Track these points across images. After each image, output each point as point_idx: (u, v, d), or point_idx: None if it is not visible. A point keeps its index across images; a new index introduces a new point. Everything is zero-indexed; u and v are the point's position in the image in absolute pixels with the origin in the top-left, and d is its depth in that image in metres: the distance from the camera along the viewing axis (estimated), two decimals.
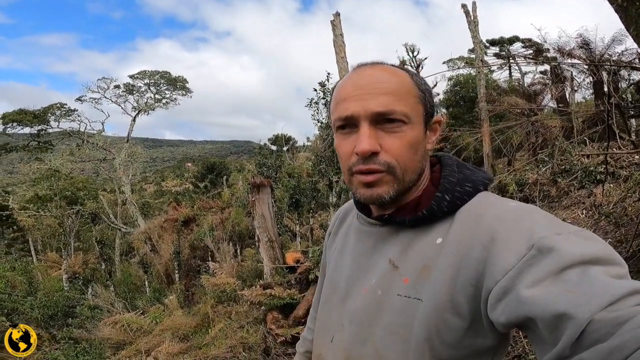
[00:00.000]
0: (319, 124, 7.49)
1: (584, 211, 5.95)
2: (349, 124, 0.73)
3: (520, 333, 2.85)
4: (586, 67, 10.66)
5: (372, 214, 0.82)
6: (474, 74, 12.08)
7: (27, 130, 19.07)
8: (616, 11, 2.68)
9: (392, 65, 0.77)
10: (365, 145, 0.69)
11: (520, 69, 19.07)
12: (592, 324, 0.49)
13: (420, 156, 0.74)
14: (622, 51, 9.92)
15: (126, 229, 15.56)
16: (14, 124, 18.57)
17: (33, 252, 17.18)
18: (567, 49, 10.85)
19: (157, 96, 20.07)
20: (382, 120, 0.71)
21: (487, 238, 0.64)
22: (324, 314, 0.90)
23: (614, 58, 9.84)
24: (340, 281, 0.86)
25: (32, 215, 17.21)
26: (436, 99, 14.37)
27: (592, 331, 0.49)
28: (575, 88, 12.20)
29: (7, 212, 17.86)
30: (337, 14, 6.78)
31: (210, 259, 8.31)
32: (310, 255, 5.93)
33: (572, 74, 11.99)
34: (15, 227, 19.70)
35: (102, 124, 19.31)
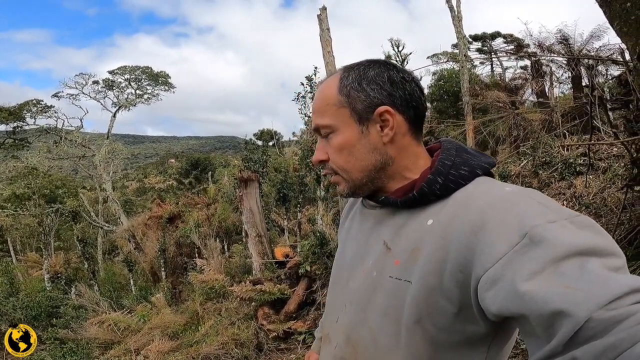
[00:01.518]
0: (306, 117, 7.49)
1: (565, 202, 6.11)
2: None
3: None
4: (565, 62, 10.89)
5: (374, 197, 0.84)
6: (458, 68, 12.21)
7: (2, 127, 18.50)
8: (600, 6, 2.74)
9: (338, 71, 0.83)
10: (313, 157, 0.84)
11: (501, 64, 19.36)
12: (589, 322, 0.49)
13: (361, 154, 0.78)
14: (600, 47, 10.17)
15: (108, 227, 15.25)
16: None
17: (12, 253, 16.73)
18: (546, 44, 11.06)
19: (138, 92, 19.63)
20: (321, 134, 0.82)
21: (478, 224, 0.63)
22: (332, 296, 0.93)
23: (592, 53, 10.07)
24: (345, 264, 0.89)
25: (9, 215, 16.72)
26: None
27: (588, 329, 0.49)
28: (555, 82, 12.47)
29: None
30: (324, 9, 6.73)
31: (197, 255, 8.22)
32: (299, 250, 5.94)
33: (551, 69, 12.24)
34: None
35: (81, 121, 18.80)
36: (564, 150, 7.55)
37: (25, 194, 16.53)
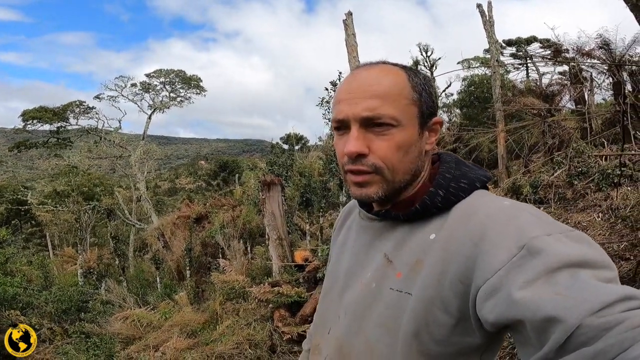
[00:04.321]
0: (330, 123, 7.50)
1: (600, 214, 5.82)
2: (343, 126, 0.76)
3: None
4: (606, 67, 10.40)
5: (372, 209, 0.84)
6: (489, 74, 11.90)
7: (46, 127, 19.53)
8: (631, 10, 2.62)
9: (393, 65, 0.78)
10: (350, 147, 0.72)
11: (537, 70, 18.69)
12: (580, 329, 0.49)
13: (412, 157, 0.75)
14: None
15: (140, 225, 15.77)
16: (34, 121, 19.02)
17: (50, 247, 17.55)
18: (586, 49, 10.60)
19: (172, 94, 20.32)
20: (371, 123, 0.72)
21: (478, 236, 0.64)
22: (324, 307, 0.93)
23: (635, 59, 9.57)
24: (340, 275, 0.88)
25: (50, 211, 17.59)
26: (450, 99, 14.18)
27: (579, 335, 0.49)
28: (595, 89, 11.93)
29: (26, 207, 18.29)
30: (350, 14, 6.74)
31: (221, 256, 8.36)
32: (319, 254, 5.94)
33: (591, 75, 11.72)
34: (33, 222, 20.15)
35: (119, 122, 19.63)
36: (601, 160, 7.21)
37: (65, 191, 17.36)
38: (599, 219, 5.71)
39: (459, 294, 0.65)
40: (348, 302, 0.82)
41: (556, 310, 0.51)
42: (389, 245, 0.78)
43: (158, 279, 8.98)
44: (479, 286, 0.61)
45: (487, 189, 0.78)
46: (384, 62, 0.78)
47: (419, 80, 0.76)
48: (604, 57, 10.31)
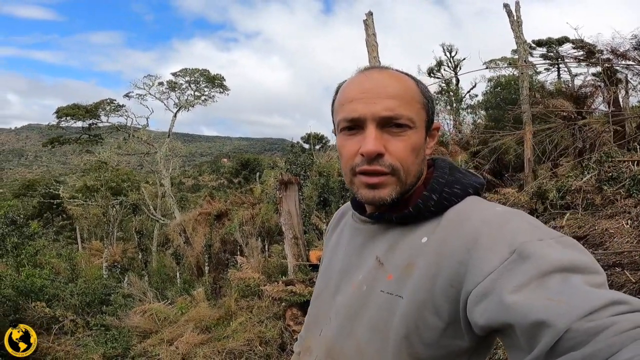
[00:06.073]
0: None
1: (629, 221, 5.59)
2: (355, 126, 0.75)
3: None
4: None
5: (365, 212, 0.84)
6: (517, 75, 11.55)
7: (79, 124, 20.28)
8: None
9: (398, 71, 0.79)
10: (371, 146, 0.71)
11: (569, 71, 18.03)
12: (569, 333, 0.49)
13: (420, 160, 0.77)
14: None
15: (164, 220, 16.11)
16: (68, 118, 19.77)
17: (79, 240, 18.12)
18: (621, 50, 10.19)
19: (196, 93, 20.71)
20: (388, 123, 0.73)
21: (471, 241, 0.65)
22: (315, 308, 0.93)
23: None
24: (332, 277, 0.88)
25: (80, 205, 18.22)
26: (475, 100, 13.88)
27: (568, 339, 0.49)
28: (631, 91, 11.45)
29: (58, 200, 19.00)
30: (370, 14, 6.70)
31: (239, 253, 8.44)
32: None
33: (626, 77, 11.26)
34: (64, 215, 20.92)
35: (147, 120, 20.17)
36: (633, 165, 6.91)
37: (94, 185, 17.98)
38: (628, 226, 5.48)
39: (449, 298, 0.65)
40: (340, 304, 0.82)
41: (546, 315, 0.51)
42: (381, 247, 0.78)
43: (178, 274, 9.15)
44: (470, 290, 0.61)
45: (479, 195, 0.78)
46: (387, 68, 0.80)
47: (424, 87, 0.79)
48: (639, 58, 9.88)
